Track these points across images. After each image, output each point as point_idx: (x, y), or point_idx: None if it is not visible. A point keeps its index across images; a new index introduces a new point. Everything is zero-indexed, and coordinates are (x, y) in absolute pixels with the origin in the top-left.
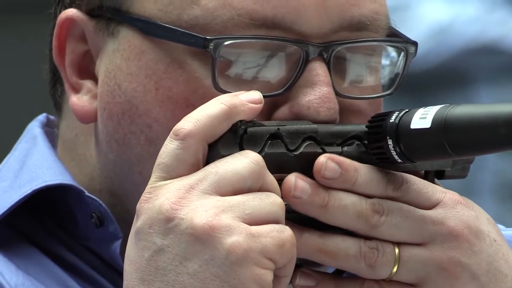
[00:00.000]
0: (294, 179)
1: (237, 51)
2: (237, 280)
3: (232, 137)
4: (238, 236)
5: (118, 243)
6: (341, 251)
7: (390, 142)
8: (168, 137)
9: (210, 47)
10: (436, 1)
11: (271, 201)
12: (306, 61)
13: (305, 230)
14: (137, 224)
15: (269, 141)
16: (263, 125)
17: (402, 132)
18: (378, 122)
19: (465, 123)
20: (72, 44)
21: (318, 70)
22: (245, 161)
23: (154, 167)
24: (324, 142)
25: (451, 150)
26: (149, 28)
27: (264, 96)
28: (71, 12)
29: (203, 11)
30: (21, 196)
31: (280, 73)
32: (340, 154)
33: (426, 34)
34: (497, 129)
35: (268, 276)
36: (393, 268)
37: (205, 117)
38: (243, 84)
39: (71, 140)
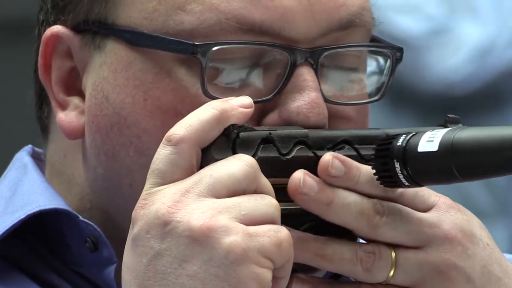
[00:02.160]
0: (302, 176)
1: (224, 58)
2: (237, 279)
3: (224, 141)
4: (236, 236)
5: (112, 268)
6: (337, 254)
7: (397, 165)
8: (161, 144)
9: (199, 53)
10: (474, 24)
11: (267, 202)
12: (293, 66)
13: (301, 235)
14: (133, 231)
15: (262, 146)
16: (255, 130)
17: (410, 155)
18: (385, 146)
19: (471, 146)
20: (58, 61)
21: (306, 75)
22: (239, 163)
23: (148, 173)
24: (315, 146)
25: (458, 174)
26: (135, 38)
27: (255, 102)
28: (56, 28)
29: (189, 16)
30: (15, 221)
31: (268, 79)
32: None
33: (467, 57)
34: (504, 152)
35: (267, 275)
36: (389, 271)
37: (197, 122)
38: (231, 91)
39: (59, 162)
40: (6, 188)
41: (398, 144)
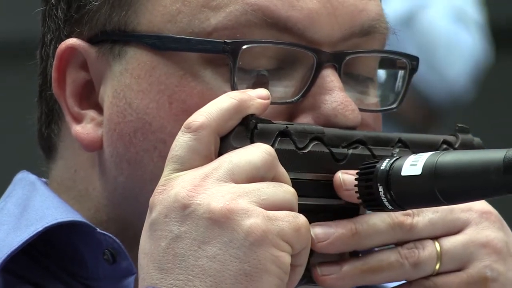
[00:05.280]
0: (313, 231)
1: (251, 58)
2: (257, 261)
3: (243, 131)
4: (256, 218)
5: (131, 279)
6: (383, 262)
7: (380, 189)
8: (180, 131)
9: (229, 51)
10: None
11: (285, 189)
12: (319, 68)
13: (342, 262)
14: (151, 216)
15: (279, 138)
16: (272, 123)
17: (393, 179)
18: (369, 169)
19: (455, 169)
20: (72, 73)
21: (332, 76)
22: (258, 151)
23: (167, 160)
24: (330, 144)
25: (441, 197)
26: (160, 43)
27: (279, 104)
28: (72, 41)
29: (215, 11)
30: (32, 234)
31: (292, 81)
32: (346, 156)
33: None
34: (488, 175)
35: (287, 259)
36: (437, 261)
37: (216, 110)
38: None
39: (69, 178)
40: (14, 206)
41: (381, 167)
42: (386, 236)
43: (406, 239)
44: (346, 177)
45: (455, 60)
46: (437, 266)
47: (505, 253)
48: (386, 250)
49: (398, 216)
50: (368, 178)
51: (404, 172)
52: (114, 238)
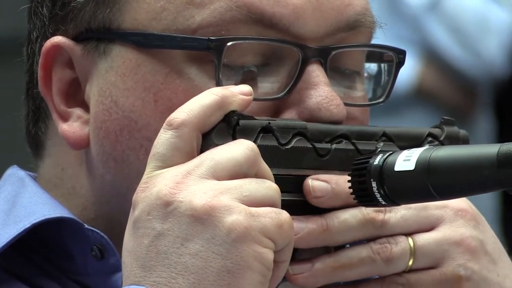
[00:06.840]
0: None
1: (236, 55)
2: (239, 257)
3: (225, 127)
4: (238, 215)
5: (119, 275)
6: (354, 258)
7: (374, 184)
8: (162, 128)
9: (213, 48)
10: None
11: (267, 185)
12: (304, 64)
13: (314, 259)
14: (134, 214)
15: (261, 134)
16: (255, 119)
17: (386, 174)
18: (362, 165)
19: (448, 165)
20: (58, 71)
21: (318, 71)
22: (240, 147)
23: (149, 157)
24: (313, 139)
25: (435, 192)
26: (145, 40)
27: (265, 100)
28: (57, 39)
29: (200, 8)
30: (20, 230)
31: (278, 77)
32: (329, 151)
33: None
34: (481, 170)
35: (269, 255)
36: (409, 257)
37: (198, 107)
38: None
39: (57, 176)
40: (3, 202)
41: (375, 163)
42: (357, 232)
43: (378, 235)
44: (316, 184)
45: (489, 37)
46: (410, 262)
47: (479, 251)
48: (357, 246)
49: (370, 212)
50: (361, 174)
51: (397, 168)
52: (102, 234)
